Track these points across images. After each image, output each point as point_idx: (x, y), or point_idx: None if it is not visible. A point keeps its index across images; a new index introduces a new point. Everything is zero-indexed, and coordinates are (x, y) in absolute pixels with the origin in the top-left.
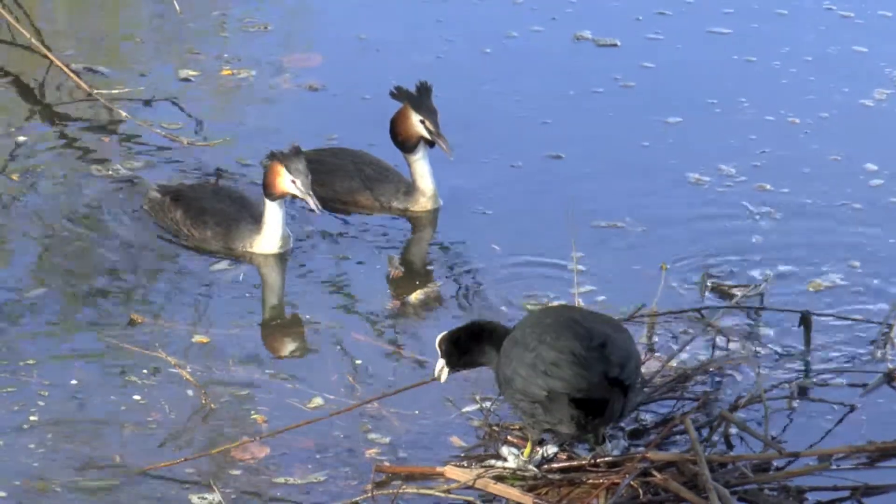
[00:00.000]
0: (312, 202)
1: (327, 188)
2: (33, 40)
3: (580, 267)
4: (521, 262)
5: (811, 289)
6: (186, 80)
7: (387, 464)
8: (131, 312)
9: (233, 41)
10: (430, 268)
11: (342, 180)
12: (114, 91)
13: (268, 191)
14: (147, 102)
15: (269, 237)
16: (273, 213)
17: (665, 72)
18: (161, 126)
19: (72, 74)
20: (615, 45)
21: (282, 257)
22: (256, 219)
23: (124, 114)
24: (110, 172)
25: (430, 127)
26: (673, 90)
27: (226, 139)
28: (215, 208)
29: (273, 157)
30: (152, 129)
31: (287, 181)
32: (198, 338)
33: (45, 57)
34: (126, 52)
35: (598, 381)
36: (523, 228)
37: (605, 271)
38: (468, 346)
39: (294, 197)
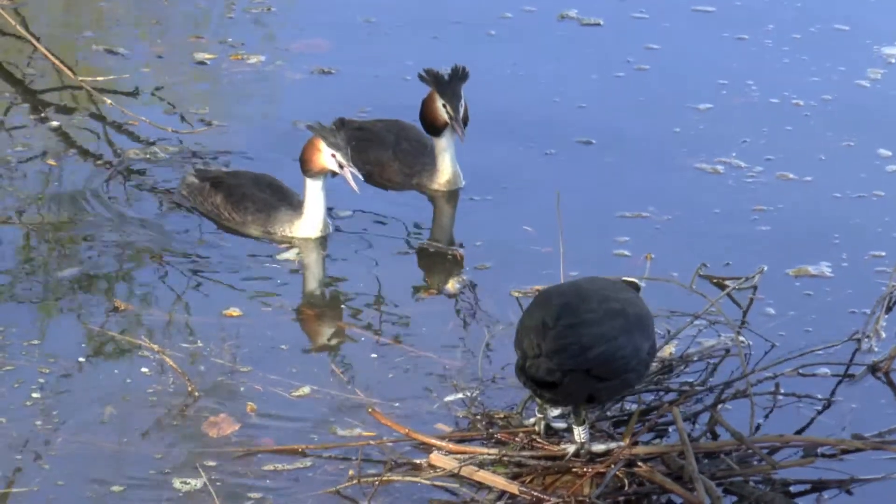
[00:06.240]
0: (351, 178)
1: (362, 155)
2: (18, 27)
3: (625, 252)
4: (544, 247)
5: (792, 273)
6: (202, 63)
7: (378, 411)
8: (115, 300)
9: (239, 24)
10: (456, 253)
11: (377, 149)
12: (112, 76)
13: (305, 167)
14: (135, 93)
15: (309, 221)
16: (314, 194)
17: (671, 53)
18: (155, 115)
19: (56, 61)
20: (598, 24)
21: (321, 242)
22: (295, 206)
23: (109, 101)
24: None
25: (450, 111)
26: (686, 73)
27: (210, 124)
28: (255, 195)
29: (312, 130)
30: (140, 118)
31: (326, 156)
32: (230, 310)
33: (32, 44)
34: (142, 34)
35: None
36: (548, 214)
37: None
38: None
39: (333, 174)
